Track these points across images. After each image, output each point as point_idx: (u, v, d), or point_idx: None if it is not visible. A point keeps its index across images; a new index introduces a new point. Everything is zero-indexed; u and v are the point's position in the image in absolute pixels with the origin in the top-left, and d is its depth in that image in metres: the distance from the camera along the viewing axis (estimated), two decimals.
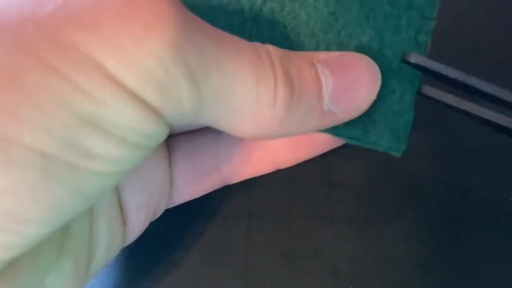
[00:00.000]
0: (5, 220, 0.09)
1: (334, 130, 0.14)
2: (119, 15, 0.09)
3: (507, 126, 0.13)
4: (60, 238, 0.12)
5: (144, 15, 0.09)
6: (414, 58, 0.13)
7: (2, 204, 0.09)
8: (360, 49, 0.14)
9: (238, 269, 0.20)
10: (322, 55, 0.13)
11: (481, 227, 0.21)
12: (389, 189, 0.22)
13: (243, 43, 0.12)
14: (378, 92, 0.13)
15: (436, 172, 0.22)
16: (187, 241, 0.21)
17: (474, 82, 0.13)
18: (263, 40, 0.14)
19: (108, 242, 0.15)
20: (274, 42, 0.14)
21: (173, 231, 0.21)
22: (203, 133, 0.18)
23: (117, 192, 0.16)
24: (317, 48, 0.14)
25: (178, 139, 0.18)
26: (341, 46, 0.14)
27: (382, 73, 0.14)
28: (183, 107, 0.11)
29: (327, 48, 0.14)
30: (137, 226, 0.16)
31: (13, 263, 0.10)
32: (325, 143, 0.17)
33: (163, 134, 0.11)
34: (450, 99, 0.14)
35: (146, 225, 0.17)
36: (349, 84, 0.13)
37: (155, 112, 0.10)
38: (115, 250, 0.16)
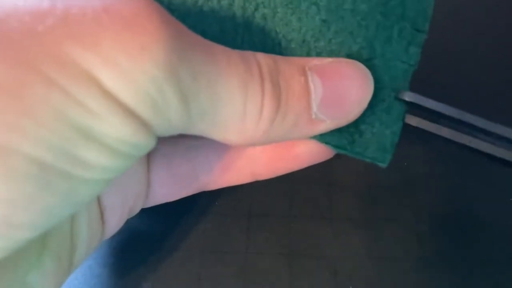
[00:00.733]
0: None
1: (321, 138, 0.14)
2: (117, 35, 0.10)
3: (501, 157, 0.14)
4: (41, 237, 0.13)
5: (140, 36, 0.10)
6: (408, 96, 0.14)
7: None
8: (350, 57, 0.14)
9: (238, 269, 0.20)
10: (315, 61, 0.13)
11: (481, 227, 0.21)
12: (389, 189, 0.22)
13: (234, 55, 0.12)
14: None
15: (436, 172, 0.22)
16: (187, 241, 0.21)
17: (468, 118, 0.14)
18: (255, 45, 0.14)
19: (88, 238, 0.15)
20: (265, 48, 0.14)
21: (173, 231, 0.21)
22: (183, 139, 0.18)
23: None
24: (308, 55, 0.14)
25: (158, 142, 0.18)
26: (332, 54, 0.14)
27: None
28: (172, 122, 0.11)
29: (318, 56, 0.14)
30: (113, 223, 0.17)
31: None
32: (306, 157, 0.17)
33: (151, 144, 0.12)
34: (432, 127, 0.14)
35: (121, 223, 0.17)
36: (340, 92, 0.13)
37: (145, 125, 0.11)
38: (95, 245, 0.16)
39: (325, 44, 0.14)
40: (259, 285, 0.20)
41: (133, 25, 0.10)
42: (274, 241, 0.21)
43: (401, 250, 0.21)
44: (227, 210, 0.22)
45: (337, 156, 0.23)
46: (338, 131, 0.14)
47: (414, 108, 0.14)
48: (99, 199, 0.16)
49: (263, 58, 0.13)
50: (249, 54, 0.12)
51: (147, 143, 0.11)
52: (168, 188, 0.18)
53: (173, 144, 0.18)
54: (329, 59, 0.14)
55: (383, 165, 0.15)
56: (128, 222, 0.18)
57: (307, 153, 0.16)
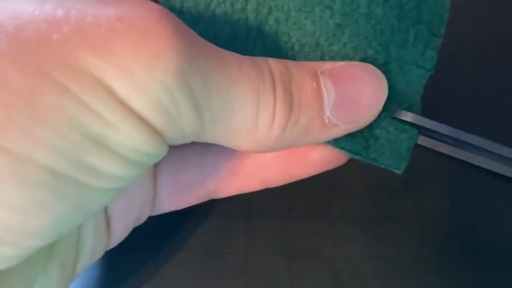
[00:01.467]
0: (8, 234, 0.09)
1: (335, 143, 0.14)
2: (131, 44, 0.10)
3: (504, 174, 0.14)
4: (50, 244, 0.13)
5: (154, 45, 0.10)
6: (410, 117, 0.14)
7: (9, 219, 0.09)
8: (365, 62, 0.14)
9: (238, 269, 0.20)
10: (327, 65, 0.13)
11: (481, 227, 0.21)
12: (389, 189, 0.22)
13: (246, 62, 0.12)
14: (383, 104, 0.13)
15: (436, 172, 0.22)
16: (187, 241, 0.21)
17: (468, 138, 0.14)
18: (267, 49, 0.14)
19: (94, 246, 0.15)
20: (278, 52, 0.14)
21: (173, 231, 0.21)
22: (191, 145, 0.18)
23: None
24: (321, 59, 0.14)
25: None
26: (346, 59, 0.14)
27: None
28: (184, 130, 0.11)
29: (332, 60, 0.14)
30: (118, 232, 0.17)
31: (4, 271, 0.11)
32: (319, 163, 0.17)
33: (163, 153, 0.12)
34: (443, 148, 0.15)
35: (127, 231, 0.17)
36: (353, 96, 0.13)
37: (158, 134, 0.11)
38: (100, 253, 0.16)
39: (339, 48, 0.14)
40: (259, 286, 0.20)
41: (147, 33, 0.10)
42: (274, 241, 0.21)
43: (401, 250, 0.21)
44: (227, 211, 0.22)
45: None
46: (352, 135, 0.14)
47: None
48: (105, 208, 0.16)
49: (274, 64, 0.13)
50: (260, 60, 0.12)
51: (159, 151, 0.11)
52: (175, 196, 0.18)
53: (180, 150, 0.18)
54: (341, 63, 0.13)
55: (399, 172, 0.15)
56: None
57: (319, 159, 0.16)
